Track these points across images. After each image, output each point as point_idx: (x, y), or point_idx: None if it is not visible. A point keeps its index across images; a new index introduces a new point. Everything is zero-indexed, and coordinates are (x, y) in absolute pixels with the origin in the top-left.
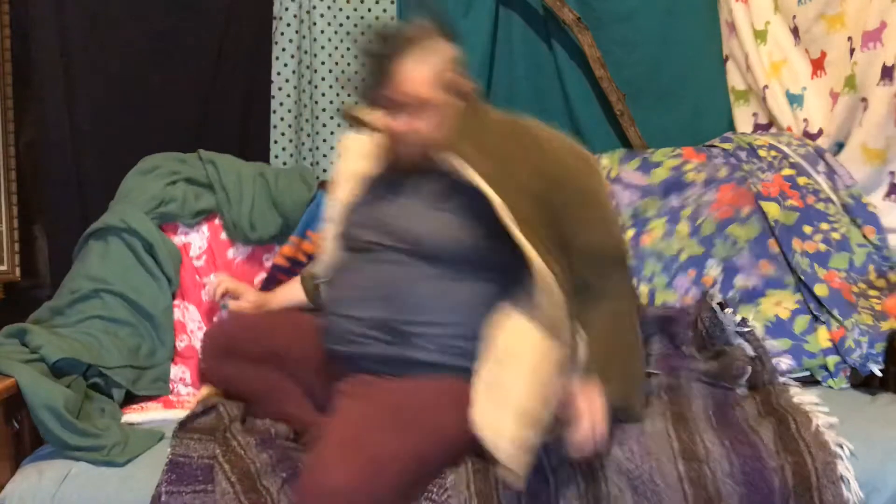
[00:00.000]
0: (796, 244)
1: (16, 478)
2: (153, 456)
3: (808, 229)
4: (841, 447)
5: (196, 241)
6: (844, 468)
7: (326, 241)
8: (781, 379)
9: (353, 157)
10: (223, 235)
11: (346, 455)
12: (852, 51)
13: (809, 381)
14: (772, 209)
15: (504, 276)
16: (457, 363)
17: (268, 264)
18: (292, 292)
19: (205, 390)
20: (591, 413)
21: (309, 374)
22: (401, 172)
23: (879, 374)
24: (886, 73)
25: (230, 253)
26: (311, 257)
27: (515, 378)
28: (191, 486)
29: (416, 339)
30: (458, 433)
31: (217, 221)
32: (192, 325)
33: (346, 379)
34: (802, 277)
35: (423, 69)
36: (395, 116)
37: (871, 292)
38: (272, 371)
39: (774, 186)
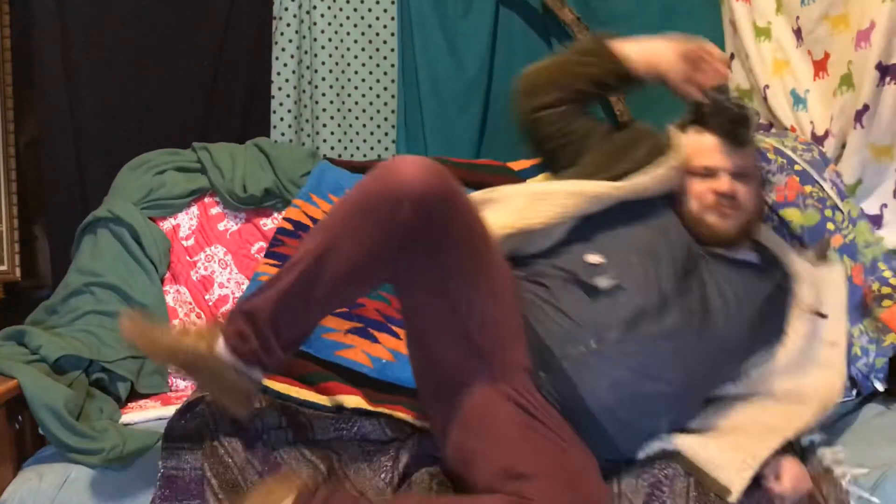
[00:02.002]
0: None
1: (16, 481)
2: (151, 460)
3: (830, 226)
4: (852, 483)
5: (185, 222)
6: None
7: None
8: None
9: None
10: (213, 210)
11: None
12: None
13: None
14: (794, 216)
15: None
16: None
17: (267, 230)
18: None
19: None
20: (794, 478)
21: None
22: (695, 237)
23: (882, 389)
24: (889, 71)
25: (221, 226)
26: (316, 221)
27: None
28: (186, 502)
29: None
30: None
31: (207, 199)
32: (184, 309)
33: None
34: None
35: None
36: (736, 186)
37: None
38: (407, 260)
39: (791, 191)
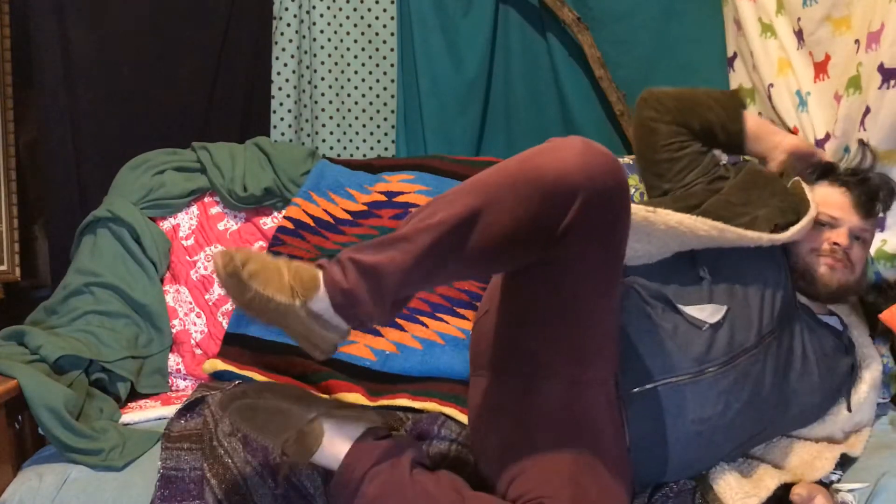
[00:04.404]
0: None
1: (16, 481)
2: (151, 460)
3: None
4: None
5: (185, 221)
6: None
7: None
8: None
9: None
10: (213, 210)
11: None
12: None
13: None
14: None
15: None
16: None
17: (267, 228)
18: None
19: (208, 365)
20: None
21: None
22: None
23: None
24: (892, 75)
25: (221, 225)
26: (316, 219)
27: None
28: (186, 503)
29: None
30: None
31: (207, 199)
32: (183, 309)
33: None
34: None
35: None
36: (852, 243)
37: None
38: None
39: None
